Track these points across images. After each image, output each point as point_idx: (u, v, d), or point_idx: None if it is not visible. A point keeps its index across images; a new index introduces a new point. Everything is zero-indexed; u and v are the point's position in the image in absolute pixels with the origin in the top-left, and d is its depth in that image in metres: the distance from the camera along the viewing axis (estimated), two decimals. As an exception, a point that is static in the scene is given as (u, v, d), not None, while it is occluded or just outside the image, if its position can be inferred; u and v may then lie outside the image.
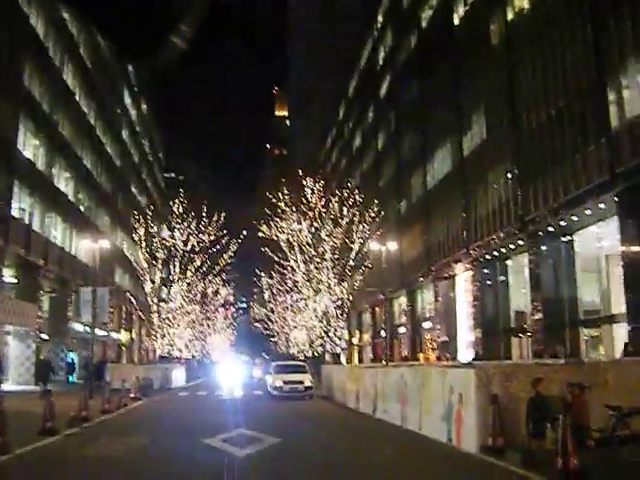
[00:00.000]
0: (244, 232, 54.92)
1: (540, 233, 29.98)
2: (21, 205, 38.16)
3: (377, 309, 64.13)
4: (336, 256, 43.08)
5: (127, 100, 72.50)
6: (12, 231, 35.80)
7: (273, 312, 72.88)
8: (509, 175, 32.90)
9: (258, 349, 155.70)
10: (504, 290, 36.47)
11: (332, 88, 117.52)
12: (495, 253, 35.36)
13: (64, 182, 46.80)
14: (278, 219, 45.76)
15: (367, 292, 47.72)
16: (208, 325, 78.90)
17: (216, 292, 68.35)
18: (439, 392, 13.98)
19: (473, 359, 37.89)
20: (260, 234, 47.88)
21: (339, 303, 42.89)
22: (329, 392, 29.23)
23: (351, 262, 42.27)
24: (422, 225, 46.50)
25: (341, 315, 43.44)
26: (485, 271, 37.76)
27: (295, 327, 62.38)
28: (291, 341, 68.09)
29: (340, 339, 44.53)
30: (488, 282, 37.64)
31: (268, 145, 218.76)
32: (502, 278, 36.66)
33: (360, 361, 67.37)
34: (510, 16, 33.16)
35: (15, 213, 37.05)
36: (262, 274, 72.24)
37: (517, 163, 31.73)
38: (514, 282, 35.74)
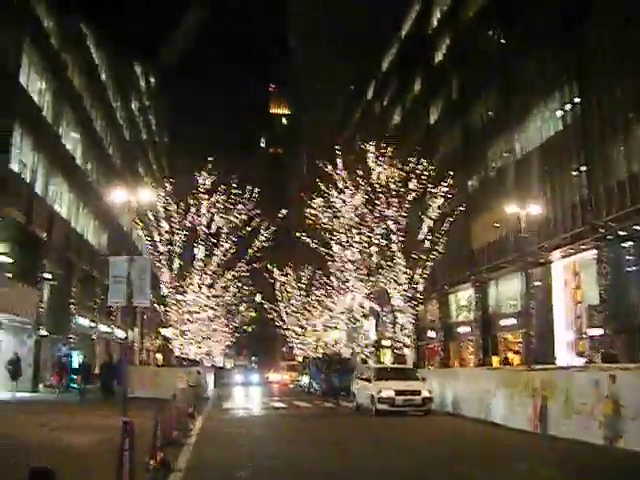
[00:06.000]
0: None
1: None
2: (22, 158, 29.75)
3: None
4: (402, 238, 35.02)
5: (137, 69, 64.53)
6: (10, 189, 27.55)
7: (297, 310, 65.34)
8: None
9: (260, 352, 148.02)
10: (636, 276, 28.65)
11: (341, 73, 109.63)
12: (637, 227, 27.39)
13: (72, 143, 38.56)
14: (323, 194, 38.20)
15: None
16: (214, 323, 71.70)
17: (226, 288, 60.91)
18: None
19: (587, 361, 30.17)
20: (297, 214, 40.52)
21: (409, 293, 34.88)
22: (446, 404, 21.48)
23: (426, 243, 34.20)
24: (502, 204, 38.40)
25: (412, 308, 35.43)
26: (603, 254, 29.94)
27: (331, 325, 54.77)
28: (320, 342, 60.52)
29: (409, 336, 36.48)
30: (609, 267, 29.81)
31: (263, 143, 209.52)
32: (633, 262, 28.88)
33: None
34: None
35: (14, 166, 28.74)
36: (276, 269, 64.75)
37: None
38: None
